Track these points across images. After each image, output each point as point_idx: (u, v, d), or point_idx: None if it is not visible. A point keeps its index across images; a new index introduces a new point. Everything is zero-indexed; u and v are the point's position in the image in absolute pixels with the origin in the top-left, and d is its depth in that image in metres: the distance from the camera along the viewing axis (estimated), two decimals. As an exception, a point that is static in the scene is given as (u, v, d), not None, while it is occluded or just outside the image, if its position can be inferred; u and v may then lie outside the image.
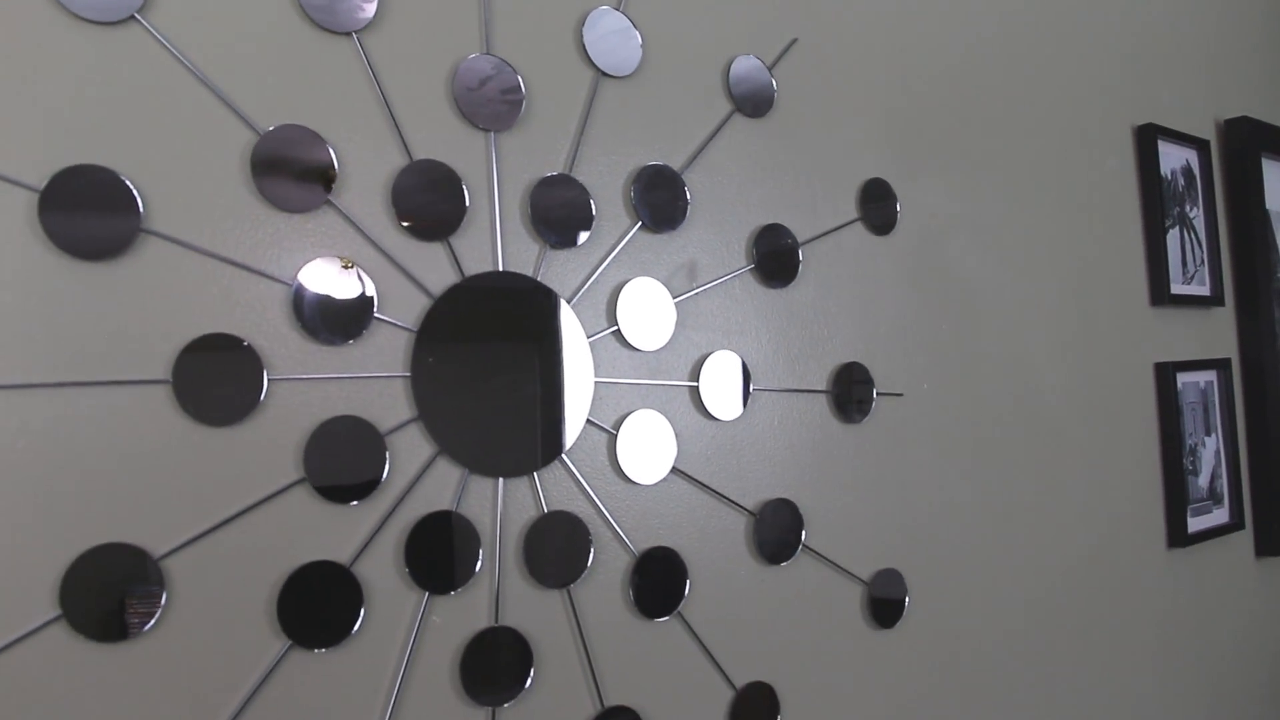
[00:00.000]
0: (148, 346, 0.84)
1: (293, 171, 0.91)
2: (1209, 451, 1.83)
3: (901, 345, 1.36)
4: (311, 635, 0.89)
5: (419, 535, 0.95)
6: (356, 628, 0.91)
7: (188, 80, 0.87)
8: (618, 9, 1.12)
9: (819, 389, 1.26)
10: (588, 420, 1.06)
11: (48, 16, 0.81)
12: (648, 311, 1.10)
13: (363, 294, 0.93)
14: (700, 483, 1.14)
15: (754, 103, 1.22)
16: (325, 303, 0.91)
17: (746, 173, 1.22)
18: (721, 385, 1.15)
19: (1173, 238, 1.78)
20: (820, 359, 1.27)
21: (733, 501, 1.16)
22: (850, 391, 1.28)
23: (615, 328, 1.08)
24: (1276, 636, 1.97)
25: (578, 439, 1.05)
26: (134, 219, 0.84)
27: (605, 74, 1.10)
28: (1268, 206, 1.97)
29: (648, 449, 1.09)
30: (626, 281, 1.10)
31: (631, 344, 1.09)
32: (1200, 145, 1.86)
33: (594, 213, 1.08)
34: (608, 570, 1.07)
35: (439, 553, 0.96)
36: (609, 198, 1.10)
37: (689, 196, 1.15)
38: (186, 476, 0.85)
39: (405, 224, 0.97)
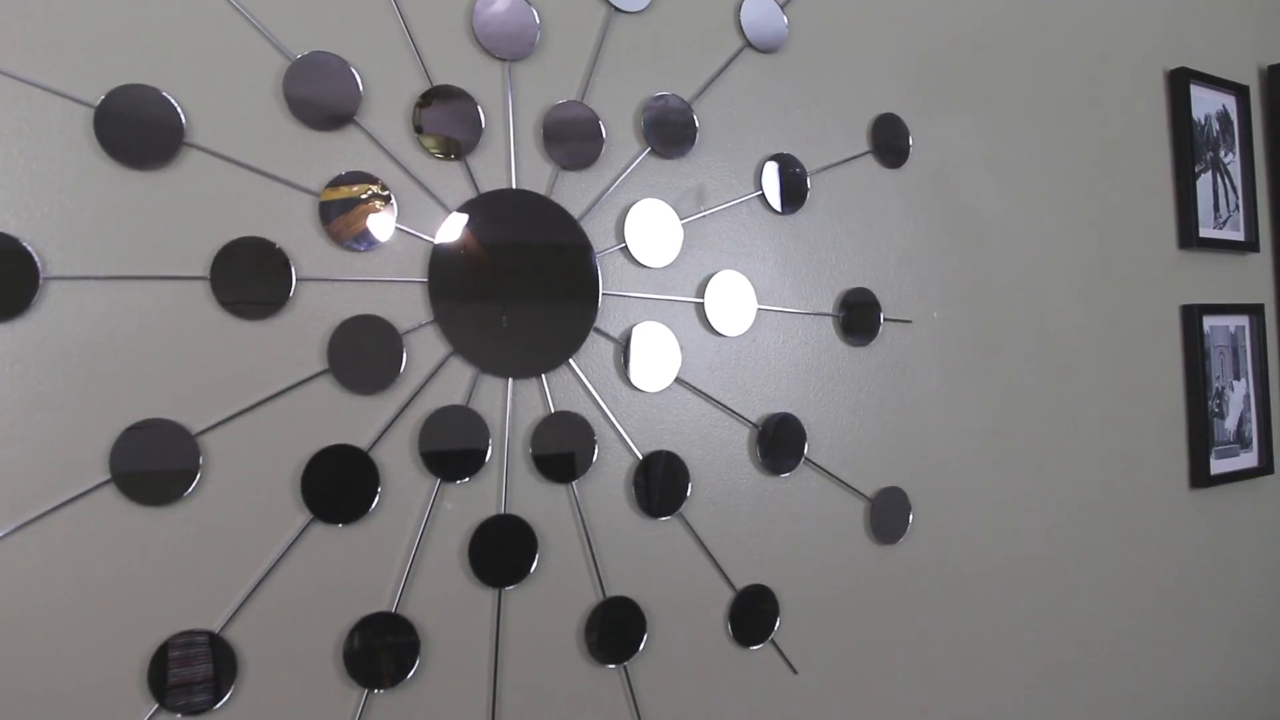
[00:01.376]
0: (189, 247, 0.94)
1: (321, 93, 1.00)
2: (1237, 396, 1.84)
3: (911, 275, 1.41)
4: (331, 511, 0.98)
5: (432, 426, 1.04)
6: (373, 507, 1.01)
7: (227, 10, 0.96)
8: (632, -55, 1.19)
9: (825, 312, 1.32)
10: (594, 329, 1.13)
11: (101, -53, 0.91)
12: (655, 231, 1.18)
13: (387, 206, 1.02)
14: (704, 393, 1.21)
15: (765, 39, 1.28)
16: (350, 212, 1.01)
17: (756, 105, 1.28)
18: (727, 303, 1.22)
19: (1204, 182, 1.79)
20: (827, 284, 1.32)
21: (735, 413, 1.23)
22: (857, 316, 1.34)
23: (623, 245, 1.16)
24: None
25: (584, 346, 1.13)
26: (177, 134, 0.94)
27: (618, 9, 1.17)
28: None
29: (652, 359, 1.16)
30: (635, 202, 1.17)
31: (639, 261, 1.17)
32: (1239, 91, 1.86)
33: (604, 137, 1.15)
34: (611, 469, 1.15)
35: (451, 443, 1.05)
36: (620, 125, 1.18)
37: (698, 125, 1.22)
38: (222, 364, 0.95)
39: (424, 144, 1.05)
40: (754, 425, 1.25)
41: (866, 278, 1.36)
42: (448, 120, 1.06)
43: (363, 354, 1.01)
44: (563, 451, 1.11)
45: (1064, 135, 1.62)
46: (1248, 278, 1.89)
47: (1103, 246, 1.66)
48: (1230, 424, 1.82)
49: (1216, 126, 1.82)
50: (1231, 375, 1.83)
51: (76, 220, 0.90)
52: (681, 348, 1.19)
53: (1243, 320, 1.85)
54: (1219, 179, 1.82)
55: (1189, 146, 1.75)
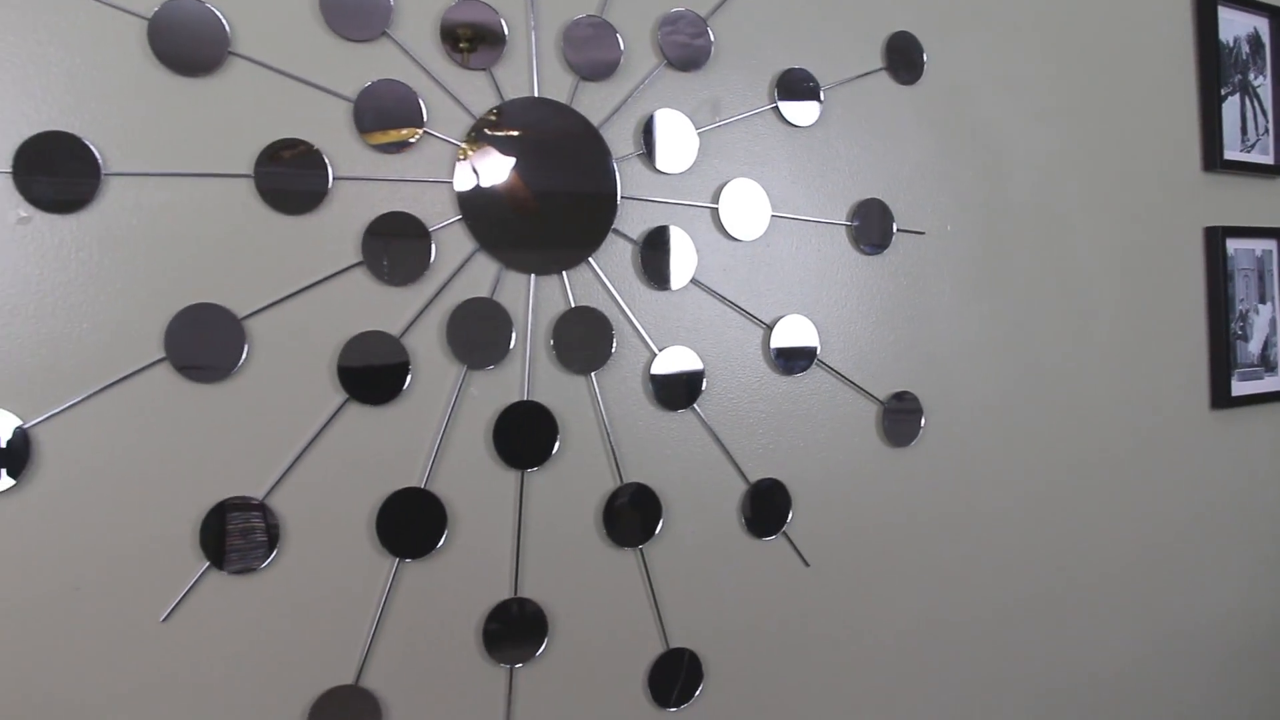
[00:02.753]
0: (234, 147, 1.03)
1: (355, 6, 1.07)
2: (1262, 319, 1.85)
3: (925, 188, 1.45)
4: (365, 393, 1.07)
5: (459, 316, 1.11)
6: (404, 390, 1.09)
7: (265, -77, 1.04)
8: None
9: (838, 221, 1.37)
10: (613, 230, 1.20)
11: None
12: (672, 139, 1.24)
13: (417, 111, 1.10)
14: (718, 294, 1.28)
15: (780, -46, 1.33)
16: (382, 116, 1.08)
17: (772, 21, 1.33)
18: (741, 209, 1.28)
19: (1231, 105, 1.80)
20: (841, 194, 1.38)
21: (749, 313, 1.30)
22: (869, 225, 1.39)
23: (641, 152, 1.22)
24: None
25: (603, 246, 1.20)
26: (223, 44, 1.02)
27: (635, -75, 1.23)
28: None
29: (668, 259, 1.23)
30: (653, 111, 1.23)
31: (656, 167, 1.23)
32: (1272, 13, 1.86)
33: (622, 50, 1.21)
34: (629, 362, 1.22)
35: (476, 333, 1.12)
36: (639, 39, 1.24)
37: (713, 39, 1.27)
38: (265, 254, 1.04)
39: (451, 54, 1.12)
40: (766, 325, 1.31)
41: (879, 189, 1.41)
42: (473, 32, 1.13)
43: (394, 248, 1.09)
44: (582, 344, 1.18)
45: (1085, 57, 1.64)
46: (1277, 201, 1.90)
47: (1124, 167, 1.69)
48: (1254, 347, 1.84)
49: (1246, 49, 1.83)
50: (1256, 298, 1.85)
51: (133, 123, 0.99)
52: (697, 249, 1.25)
53: (1270, 244, 1.87)
54: (1247, 102, 1.83)
55: (1215, 69, 1.77)
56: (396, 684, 1.09)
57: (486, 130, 1.13)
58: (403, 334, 1.09)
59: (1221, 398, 1.79)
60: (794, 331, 1.32)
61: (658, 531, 1.23)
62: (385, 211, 1.08)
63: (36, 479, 0.94)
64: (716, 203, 1.27)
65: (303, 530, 1.05)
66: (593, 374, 1.19)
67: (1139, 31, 1.72)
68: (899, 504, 1.43)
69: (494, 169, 1.13)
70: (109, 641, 0.97)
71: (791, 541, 1.33)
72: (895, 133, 1.43)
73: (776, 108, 1.32)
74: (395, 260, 1.09)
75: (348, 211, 1.07)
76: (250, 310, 1.03)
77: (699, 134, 1.26)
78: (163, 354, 0.99)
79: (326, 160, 1.06)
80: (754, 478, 1.30)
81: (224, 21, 1.02)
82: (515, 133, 1.15)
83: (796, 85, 1.34)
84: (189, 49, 1.01)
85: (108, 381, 0.97)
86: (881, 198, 1.41)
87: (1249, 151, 1.83)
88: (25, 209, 0.94)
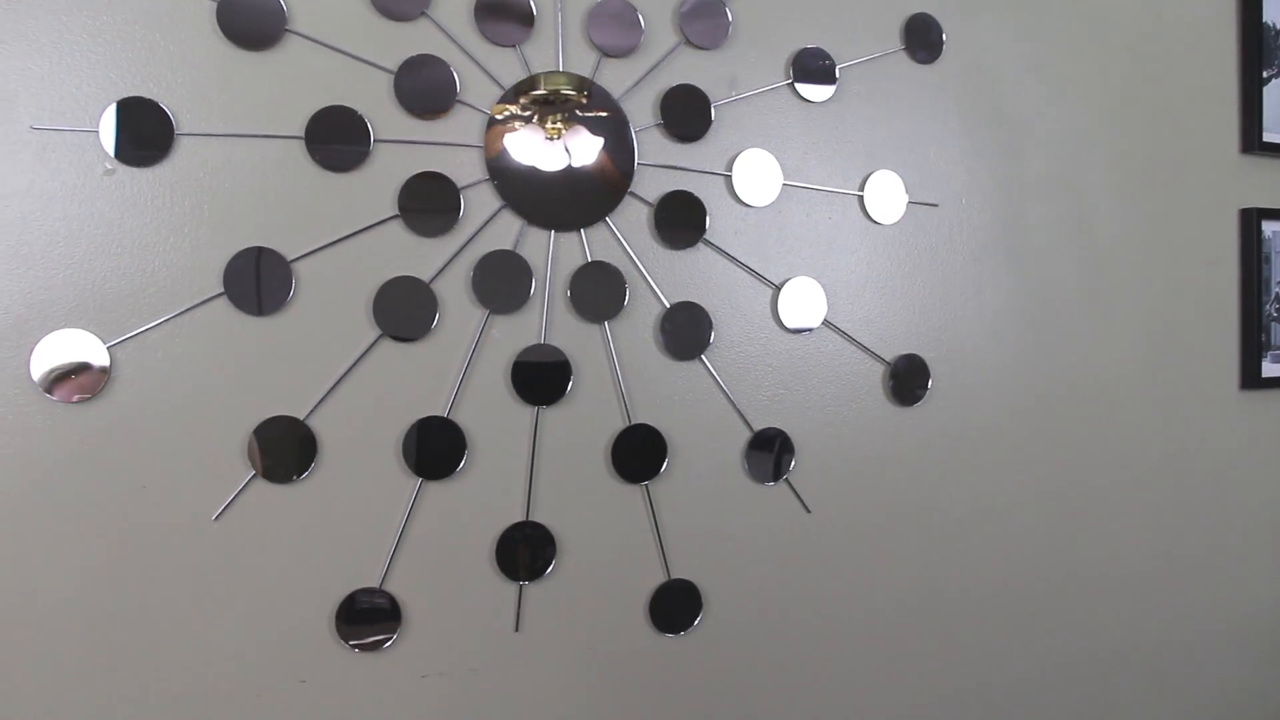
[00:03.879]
0: (289, 112, 1.17)
1: (397, -14, 1.21)
2: (1300, 301, 1.87)
3: (941, 163, 1.53)
4: (397, 330, 1.21)
5: (485, 265, 1.25)
6: (432, 328, 1.23)
7: (320, -85, 1.19)
8: None
9: (850, 191, 1.46)
10: (630, 193, 1.32)
11: None
12: (688, 110, 1.35)
13: (451, 83, 1.23)
14: (729, 254, 1.38)
15: (800, -59, 1.42)
16: (420, 88, 1.22)
17: (790, 3, 1.42)
18: (754, 176, 1.38)
19: (1275, 87, 1.82)
20: (855, 167, 1.46)
21: (758, 273, 1.40)
22: (880, 194, 1.47)
23: (659, 122, 1.34)
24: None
25: (620, 207, 1.32)
26: (281, 21, 1.17)
27: (659, -87, 1.34)
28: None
29: (681, 219, 1.34)
30: (671, 85, 1.34)
31: (672, 135, 1.34)
32: (1321, -4, 1.87)
33: (643, 28, 1.33)
34: (641, 314, 1.34)
35: (500, 281, 1.25)
36: (660, 18, 1.35)
37: (730, 18, 1.38)
38: (312, 207, 1.18)
39: (484, 32, 1.25)
40: (774, 286, 1.41)
41: (893, 163, 1.49)
42: (504, 11, 1.26)
43: (428, 202, 1.22)
44: (597, 295, 1.30)
45: (1117, 36, 1.68)
46: (1321, 184, 1.90)
47: (1155, 146, 1.73)
48: (1291, 328, 1.86)
49: (1292, 31, 1.84)
50: (1294, 280, 1.86)
51: (203, 90, 1.14)
52: (709, 213, 1.36)
53: (1310, 227, 1.88)
54: (1292, 85, 1.84)
55: (1257, 49, 1.79)
56: (416, 590, 1.23)
57: (514, 99, 1.26)
58: (432, 280, 1.23)
59: (1252, 378, 1.81)
60: (802, 293, 1.42)
61: (663, 470, 1.34)
62: (419, 171, 1.22)
63: (113, 390, 1.11)
64: (730, 171, 1.38)
65: (338, 449, 1.20)
66: (606, 323, 1.31)
67: (1179, 11, 1.75)
68: (902, 460, 1.51)
69: (520, 134, 1.26)
70: (168, 534, 1.13)
71: (794, 488, 1.43)
72: (911, 110, 1.51)
73: (792, 84, 1.42)
74: (427, 214, 1.23)
75: (386, 170, 1.21)
76: (298, 254, 1.18)
77: (716, 107, 1.37)
78: (221, 290, 1.14)
79: (369, 125, 1.20)
80: (758, 427, 1.40)
81: (282, 3, 1.17)
82: (541, 103, 1.27)
83: (812, 64, 1.43)
84: (251, 26, 1.16)
85: (175, 312, 1.13)
86: (895, 171, 1.49)
87: (1292, 134, 1.84)
88: (110, 163, 1.10)
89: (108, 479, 1.11)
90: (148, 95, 1.12)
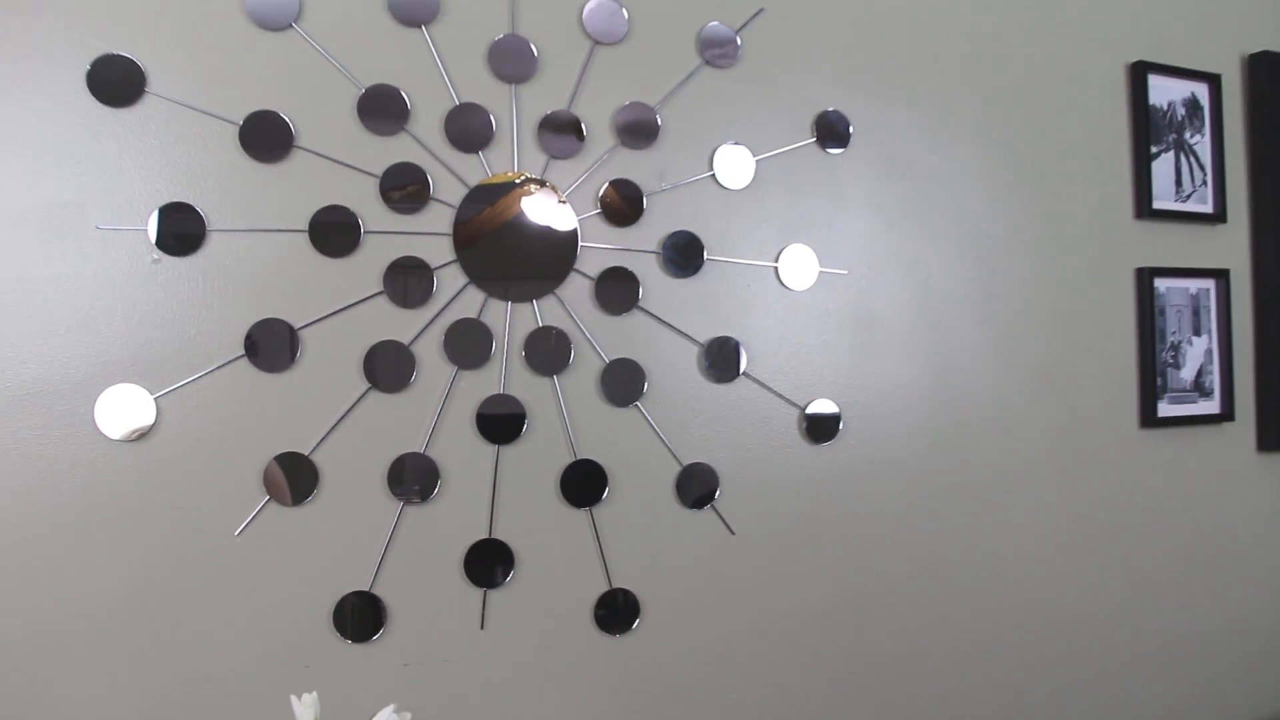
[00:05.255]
0: (296, 211, 1.48)
1: (381, 109, 1.52)
2: (1196, 350, 2.11)
3: (849, 236, 1.80)
4: (383, 383, 1.51)
5: (454, 331, 1.54)
6: (411, 382, 1.52)
7: (314, 57, 1.50)
8: (613, -3, 1.66)
9: (766, 263, 1.74)
10: (574, 269, 1.61)
11: None
12: (623, 200, 1.64)
13: (425, 184, 1.54)
14: (659, 318, 1.67)
15: (721, 56, 1.72)
16: (400, 188, 1.53)
17: (711, 107, 1.72)
18: (681, 254, 1.67)
19: (1166, 160, 2.08)
20: (772, 242, 1.75)
21: (684, 333, 1.68)
22: (792, 265, 1.75)
23: (598, 211, 1.63)
24: (1261, 520, 2.22)
25: (566, 281, 1.61)
26: (290, 140, 1.49)
27: (599, 42, 1.64)
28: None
29: (618, 290, 1.63)
30: (608, 180, 1.64)
31: (609, 221, 1.64)
32: (1211, 79, 2.13)
33: (585, 135, 1.63)
34: (585, 369, 1.62)
35: (466, 343, 1.55)
36: (600, 123, 1.65)
37: (660, 122, 1.67)
38: (314, 285, 1.49)
39: (452, 142, 1.56)
40: (700, 344, 1.69)
41: (805, 238, 1.77)
42: (469, 125, 1.57)
43: (407, 282, 1.53)
44: (548, 354, 1.59)
45: (1018, 118, 1.96)
46: (1216, 245, 2.15)
47: (1057, 215, 1.99)
48: (1187, 374, 2.10)
49: (1182, 111, 2.10)
50: (1190, 331, 2.10)
51: (229, 194, 1.46)
52: (642, 284, 1.65)
53: (1206, 283, 2.12)
54: (1182, 158, 2.10)
55: (1145, 128, 2.05)
56: (398, 594, 1.52)
57: (476, 197, 1.56)
58: (411, 343, 1.53)
59: (1149, 418, 2.05)
60: (723, 349, 1.70)
61: (605, 498, 1.62)
62: (400, 255, 1.53)
63: (158, 432, 1.42)
64: (659, 249, 1.67)
65: (335, 478, 1.49)
66: (555, 376, 1.60)
67: (1076, 97, 2.02)
68: (816, 489, 1.78)
69: (480, 224, 1.56)
70: (199, 546, 1.43)
71: (719, 513, 1.71)
72: (822, 192, 1.79)
73: (713, 175, 1.71)
74: (407, 290, 1.53)
75: (374, 256, 1.52)
76: (303, 323, 1.48)
77: (647, 197, 1.66)
78: (243, 352, 1.45)
79: (359, 220, 1.51)
80: (687, 462, 1.68)
81: (291, 125, 1.48)
82: (498, 198, 1.57)
83: (732, 156, 1.72)
84: (267, 144, 1.48)
85: (206, 370, 1.44)
86: (808, 244, 1.77)
87: (1184, 202, 2.10)
88: (156, 254, 1.42)
89: (152, 501, 1.41)
90: (185, 200, 1.43)
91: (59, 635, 1.37)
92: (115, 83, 1.40)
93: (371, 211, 1.52)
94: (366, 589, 1.51)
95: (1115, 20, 2.07)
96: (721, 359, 1.70)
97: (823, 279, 1.78)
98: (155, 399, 1.41)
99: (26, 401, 1.36)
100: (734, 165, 1.72)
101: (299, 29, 1.49)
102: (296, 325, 1.48)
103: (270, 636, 1.46)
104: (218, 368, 1.44)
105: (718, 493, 1.70)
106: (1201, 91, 2.13)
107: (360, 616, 1.50)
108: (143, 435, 1.41)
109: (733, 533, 1.72)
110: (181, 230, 1.43)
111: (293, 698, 1.17)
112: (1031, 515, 1.96)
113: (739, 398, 1.72)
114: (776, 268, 1.75)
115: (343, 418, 1.50)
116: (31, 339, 1.36)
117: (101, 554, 1.39)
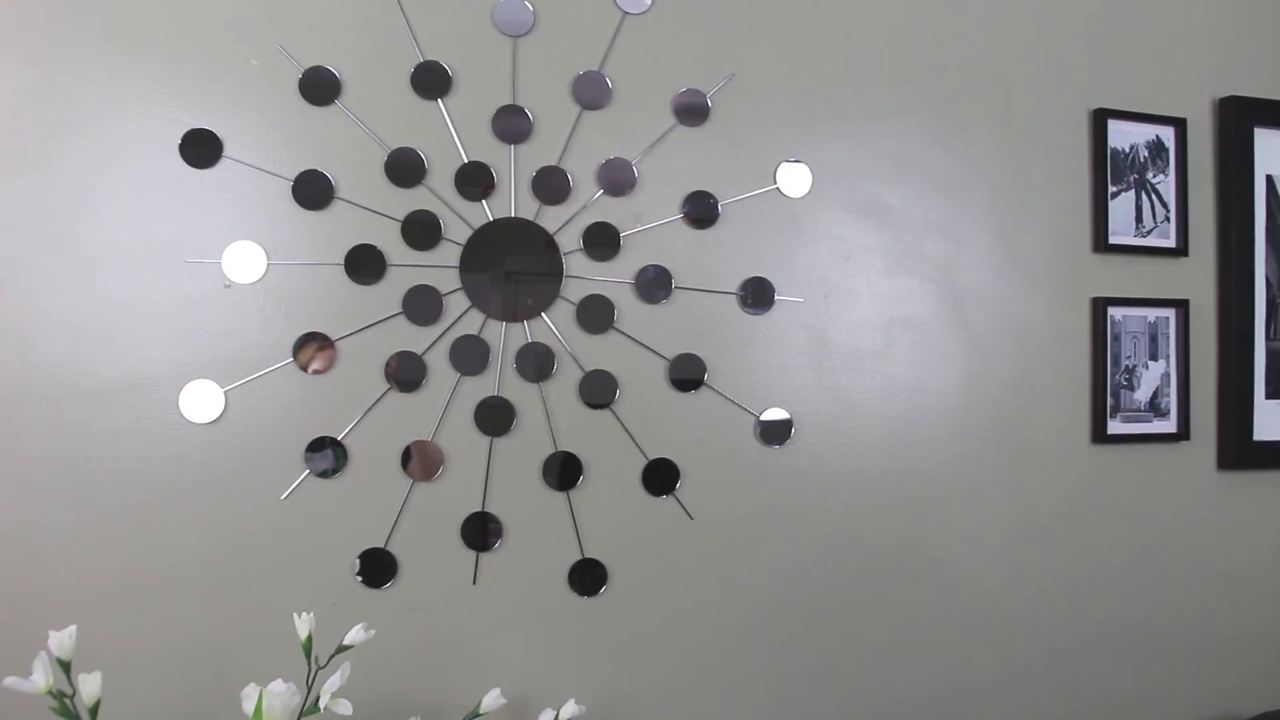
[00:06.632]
0: (336, 248, 1.89)
1: (404, 166, 1.91)
2: (1152, 373, 2.30)
3: (812, 268, 2.10)
4: (401, 385, 1.90)
5: (458, 345, 1.92)
6: (422, 384, 1.91)
7: (360, 134, 1.90)
8: (599, 68, 2.00)
9: (729, 291, 2.06)
10: (560, 296, 1.97)
11: None
12: (603, 239, 1.98)
13: (437, 226, 1.92)
14: (632, 337, 2.00)
15: (693, 116, 2.04)
16: (418, 230, 1.91)
17: (683, 160, 2.04)
18: (652, 284, 2.01)
19: (1126, 199, 2.28)
20: (733, 275, 2.06)
21: (654, 350, 2.02)
22: (754, 292, 2.06)
23: (581, 248, 1.98)
24: (1218, 531, 2.40)
25: (553, 305, 1.97)
26: (331, 193, 1.89)
27: (586, 107, 1.99)
28: (1269, 172, 2.36)
29: (597, 314, 1.98)
30: (591, 221, 1.99)
31: (591, 257, 1.98)
32: (1177, 123, 2.31)
33: (571, 186, 1.98)
34: (567, 378, 1.98)
35: (468, 356, 1.93)
36: (585, 174, 1.99)
37: (637, 175, 2.01)
38: (348, 308, 1.89)
39: (461, 193, 1.94)
40: (667, 359, 2.02)
41: (764, 270, 2.07)
42: (475, 179, 1.94)
43: (421, 305, 1.91)
44: (536, 364, 1.95)
45: (984, 160, 2.21)
46: (1177, 278, 2.34)
47: (1021, 248, 2.23)
48: (1142, 395, 2.30)
49: (1145, 153, 2.30)
50: (1147, 356, 2.30)
51: (283, 235, 1.88)
52: (617, 309, 1.99)
53: (1166, 312, 2.31)
54: (1144, 196, 2.29)
55: (1104, 169, 2.26)
56: (408, 551, 1.92)
57: (480, 236, 1.94)
58: (424, 353, 1.92)
59: (1100, 434, 2.27)
60: (688, 363, 2.03)
61: (580, 482, 1.98)
62: (417, 283, 1.92)
63: (226, 418, 1.85)
64: (634, 280, 2.00)
65: (361, 458, 1.90)
66: (541, 383, 1.97)
67: (1041, 138, 2.25)
68: (770, 482, 2.08)
69: (484, 258, 1.94)
70: (254, 506, 1.86)
71: (680, 501, 2.04)
72: (785, 231, 2.09)
73: (683, 216, 2.03)
74: (421, 311, 1.92)
75: (396, 286, 1.91)
76: (339, 336, 1.89)
77: (624, 236, 2.00)
78: (291, 358, 1.87)
79: (384, 255, 1.90)
80: (652, 456, 2.02)
81: (332, 181, 1.89)
82: (498, 236, 1.94)
83: (700, 201, 2.04)
84: (314, 197, 1.88)
85: (263, 371, 1.86)
86: (768, 276, 2.07)
87: (1144, 237, 2.30)
88: (227, 281, 1.85)
89: (220, 471, 1.84)
90: (250, 239, 1.86)
91: (152, 576, 1.82)
92: (199, 150, 1.83)
93: (394, 248, 1.91)
94: (382, 546, 1.91)
95: (1078, 67, 2.29)
96: (685, 371, 2.03)
97: (780, 305, 2.09)
98: (225, 392, 1.84)
99: (129, 393, 1.81)
100: (702, 208, 2.04)
101: (340, 105, 1.89)
102: (333, 337, 1.88)
103: (306, 579, 1.88)
104: (272, 370, 1.86)
105: (679, 484, 2.03)
106: (1167, 134, 2.31)
107: (376, 567, 1.90)
108: (215, 420, 1.84)
109: (691, 518, 2.05)
110: (246, 262, 1.85)
111: (295, 615, 1.58)
112: (977, 516, 2.22)
113: (701, 405, 2.05)
114: (741, 295, 2.06)
115: (368, 411, 1.90)
116: (134, 345, 1.81)
117: (183, 511, 1.83)
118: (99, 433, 1.79)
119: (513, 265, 1.95)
